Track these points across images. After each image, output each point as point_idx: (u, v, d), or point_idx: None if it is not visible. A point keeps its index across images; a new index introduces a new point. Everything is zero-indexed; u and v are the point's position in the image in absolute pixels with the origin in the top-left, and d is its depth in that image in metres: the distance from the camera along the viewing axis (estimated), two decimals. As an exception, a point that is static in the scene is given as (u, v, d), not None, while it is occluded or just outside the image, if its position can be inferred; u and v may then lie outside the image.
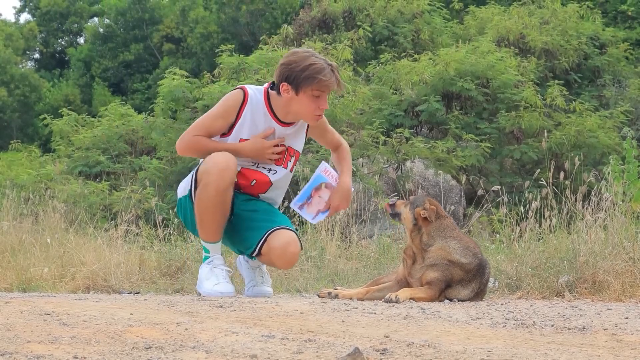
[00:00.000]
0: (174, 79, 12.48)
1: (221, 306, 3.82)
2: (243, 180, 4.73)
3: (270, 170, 4.75)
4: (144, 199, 9.79)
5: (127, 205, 8.93)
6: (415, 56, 13.67)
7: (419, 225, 4.59)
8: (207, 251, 4.72)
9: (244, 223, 4.74)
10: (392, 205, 4.79)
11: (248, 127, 4.66)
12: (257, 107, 4.66)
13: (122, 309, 3.60)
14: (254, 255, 4.74)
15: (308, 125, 4.84)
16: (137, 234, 8.17)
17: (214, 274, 4.65)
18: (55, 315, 3.32)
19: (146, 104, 23.37)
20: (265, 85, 4.76)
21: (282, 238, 4.64)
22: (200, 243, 4.82)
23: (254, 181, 4.75)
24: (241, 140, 4.66)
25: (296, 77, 4.52)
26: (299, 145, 4.84)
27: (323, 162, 4.80)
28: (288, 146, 4.77)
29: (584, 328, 3.43)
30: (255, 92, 4.69)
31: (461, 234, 4.66)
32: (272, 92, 4.69)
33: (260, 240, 4.66)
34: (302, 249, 4.86)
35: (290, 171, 4.84)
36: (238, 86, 4.76)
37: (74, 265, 7.09)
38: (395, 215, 4.78)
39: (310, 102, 4.56)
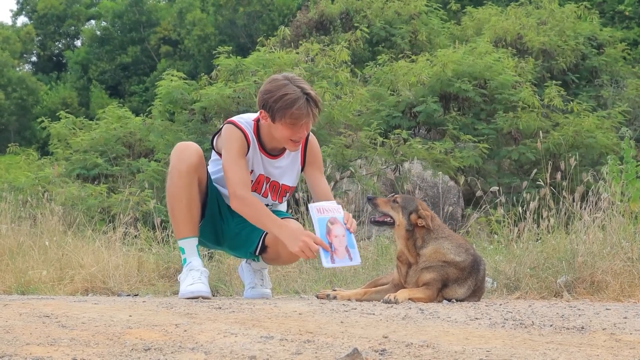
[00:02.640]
0: (172, 80, 12.48)
1: (220, 307, 3.82)
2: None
3: (266, 205, 4.70)
4: (142, 201, 9.78)
5: (125, 207, 8.92)
6: (413, 57, 13.69)
7: (412, 231, 4.55)
8: (183, 252, 4.62)
9: (244, 225, 4.72)
10: (374, 203, 4.60)
11: (248, 155, 4.65)
12: (251, 139, 4.64)
13: (121, 310, 3.59)
14: (257, 252, 4.71)
15: (304, 164, 4.80)
16: (135, 236, 8.16)
17: (189, 276, 4.55)
18: (54, 318, 3.31)
19: (144, 107, 23.37)
20: (254, 117, 4.70)
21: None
22: (179, 246, 4.71)
23: (270, 195, 4.76)
24: None
25: (271, 107, 4.47)
26: (291, 182, 4.79)
27: (310, 205, 4.51)
28: (282, 183, 4.74)
29: (582, 328, 3.43)
30: (246, 125, 4.64)
31: (451, 232, 4.64)
32: (261, 123, 4.65)
33: (264, 233, 4.64)
34: None
35: (284, 204, 4.89)
36: (227, 122, 4.66)
37: (72, 267, 7.08)
38: (383, 223, 4.65)
39: (285, 130, 4.49)
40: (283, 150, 4.72)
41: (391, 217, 4.57)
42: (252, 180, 4.66)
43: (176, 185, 4.52)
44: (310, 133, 4.82)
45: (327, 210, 4.47)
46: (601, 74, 16.06)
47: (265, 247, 4.70)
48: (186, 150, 4.55)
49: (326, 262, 4.32)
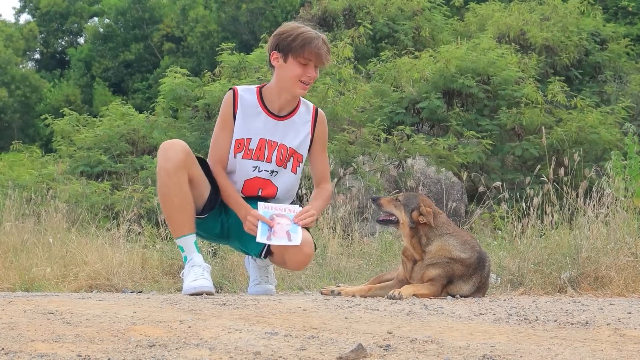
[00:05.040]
0: (175, 77, 12.49)
1: (224, 304, 3.82)
2: (249, 191, 4.72)
3: (272, 172, 4.71)
4: (145, 198, 9.78)
5: (129, 204, 8.92)
6: (416, 53, 13.69)
7: (416, 228, 4.55)
8: (182, 250, 4.59)
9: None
10: (378, 203, 4.66)
11: (239, 125, 4.67)
12: (248, 104, 4.67)
13: (125, 307, 3.60)
14: (263, 255, 4.70)
15: (312, 136, 4.79)
16: (139, 233, 8.16)
17: (192, 272, 4.51)
18: (58, 314, 3.32)
19: (147, 104, 23.39)
20: (259, 85, 4.78)
21: None
22: (177, 245, 4.70)
23: (260, 190, 4.73)
24: (237, 140, 4.66)
25: (287, 45, 4.55)
26: (297, 144, 4.75)
27: (258, 203, 4.60)
28: (289, 147, 4.72)
29: (587, 323, 3.44)
30: (246, 90, 4.72)
31: (457, 229, 4.64)
32: (265, 87, 4.72)
33: None
34: (316, 250, 4.82)
35: (293, 172, 4.77)
36: (230, 87, 4.76)
37: (76, 264, 7.09)
38: (389, 222, 4.68)
39: (296, 68, 4.55)
40: (290, 113, 4.73)
41: (395, 216, 4.60)
42: (252, 149, 4.66)
43: (166, 185, 4.48)
44: (320, 110, 4.87)
45: (275, 208, 4.59)
46: (604, 69, 16.05)
47: (271, 251, 4.68)
48: (170, 149, 4.51)
49: (260, 237, 4.47)
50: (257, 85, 4.77)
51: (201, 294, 4.39)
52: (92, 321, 3.16)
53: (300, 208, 4.63)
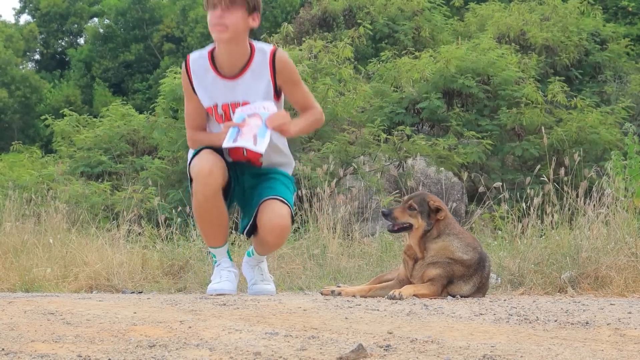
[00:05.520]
0: (175, 77, 12.48)
1: (224, 304, 3.82)
2: (235, 155, 4.67)
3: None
4: (145, 198, 9.79)
5: (129, 205, 8.92)
6: (416, 53, 13.68)
7: (430, 229, 4.55)
8: (214, 256, 4.77)
9: (247, 200, 4.72)
10: (392, 217, 4.60)
11: (202, 95, 4.62)
12: (200, 69, 4.62)
13: (125, 307, 3.60)
14: (247, 232, 4.72)
15: (275, 82, 4.61)
16: (139, 233, 8.16)
17: (218, 275, 4.70)
18: (58, 315, 3.32)
19: (147, 104, 23.37)
20: (211, 47, 4.69)
21: (268, 209, 4.57)
22: (207, 249, 4.86)
23: (245, 151, 4.64)
24: (206, 108, 4.61)
25: None
26: (259, 95, 4.58)
27: (236, 109, 4.55)
28: (250, 103, 4.58)
29: (587, 323, 3.44)
30: (198, 55, 4.67)
31: (461, 229, 4.65)
32: (217, 50, 4.64)
33: (254, 215, 4.63)
34: (293, 222, 4.79)
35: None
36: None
37: (76, 265, 7.09)
38: (402, 230, 4.66)
39: (209, 16, 4.54)
40: (242, 70, 4.59)
41: (410, 223, 4.58)
42: (220, 114, 4.60)
43: (203, 208, 4.54)
44: (279, 49, 4.71)
45: (250, 108, 4.52)
46: (604, 69, 16.04)
47: (256, 228, 4.67)
48: (210, 177, 4.47)
49: (226, 142, 4.42)
50: (209, 48, 4.69)
51: (222, 295, 4.48)
52: (93, 321, 3.16)
53: (275, 109, 4.54)
